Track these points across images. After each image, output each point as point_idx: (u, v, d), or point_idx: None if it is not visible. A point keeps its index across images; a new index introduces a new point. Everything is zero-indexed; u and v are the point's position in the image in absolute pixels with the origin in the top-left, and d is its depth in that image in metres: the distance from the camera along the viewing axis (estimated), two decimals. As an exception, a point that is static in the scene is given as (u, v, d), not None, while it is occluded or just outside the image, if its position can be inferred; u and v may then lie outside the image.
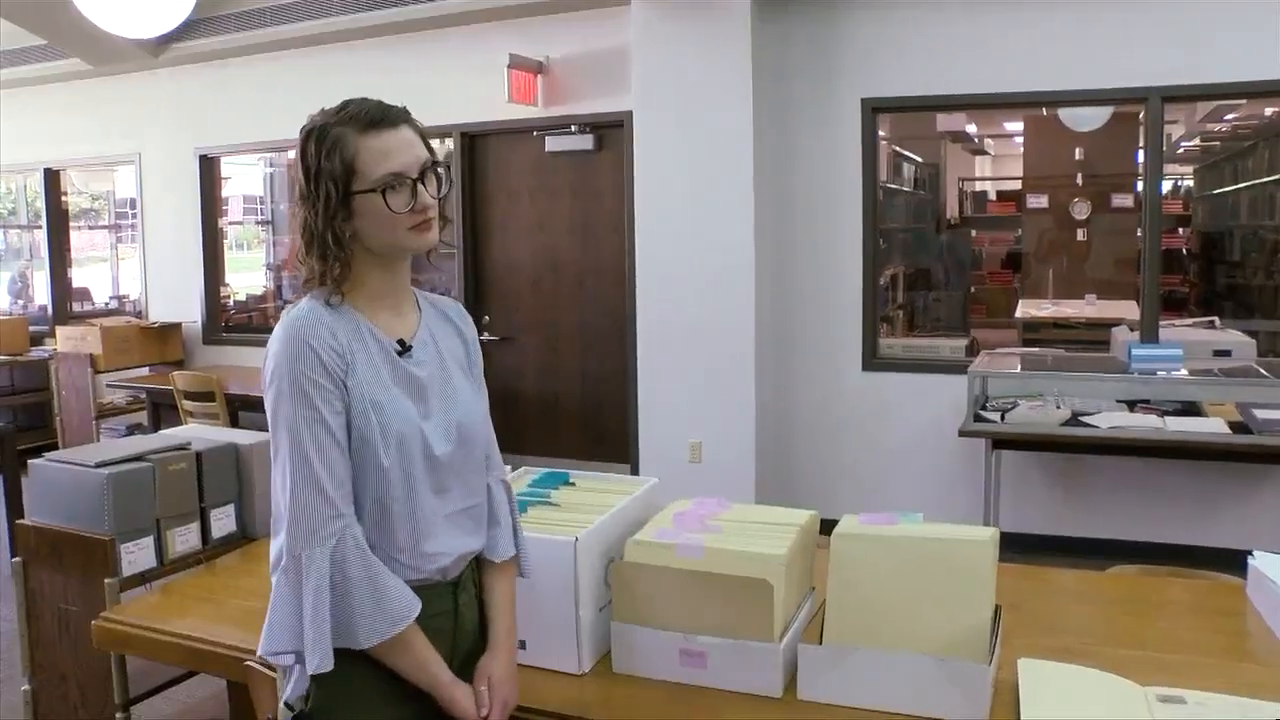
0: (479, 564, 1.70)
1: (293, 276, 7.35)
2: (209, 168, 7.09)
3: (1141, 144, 7.76)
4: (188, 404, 5.78)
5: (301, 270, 1.55)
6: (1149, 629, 2.10)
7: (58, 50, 6.83)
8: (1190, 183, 9.97)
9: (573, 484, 2.25)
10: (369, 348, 1.55)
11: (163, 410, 6.34)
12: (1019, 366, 4.91)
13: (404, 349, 1.59)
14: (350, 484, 1.49)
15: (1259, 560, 2.23)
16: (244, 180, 8.14)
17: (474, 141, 6.08)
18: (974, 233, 10.06)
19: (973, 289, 9.09)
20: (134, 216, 7.60)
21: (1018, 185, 11.75)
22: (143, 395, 6.52)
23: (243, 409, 5.82)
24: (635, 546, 1.93)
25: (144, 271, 7.42)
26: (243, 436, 2.91)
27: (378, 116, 1.51)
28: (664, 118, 5.14)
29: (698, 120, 5.06)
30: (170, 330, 6.97)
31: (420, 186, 1.52)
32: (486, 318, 6.07)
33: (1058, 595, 2.35)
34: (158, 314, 7.21)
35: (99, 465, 2.54)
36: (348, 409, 1.49)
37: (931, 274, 9.14)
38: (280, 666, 1.67)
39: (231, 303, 7.58)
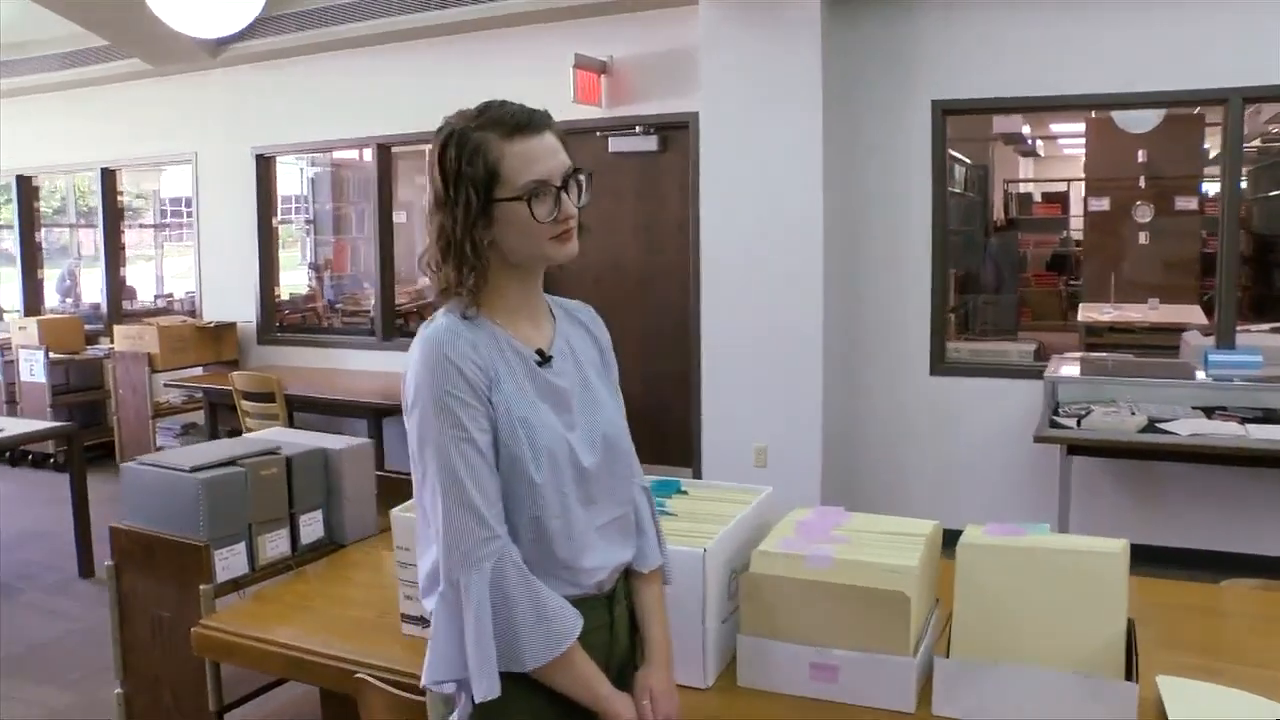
0: (627, 574, 1.66)
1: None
2: (265, 167, 7.11)
3: (1206, 144, 7.72)
4: (246, 404, 5.79)
5: (436, 279, 1.51)
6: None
7: (117, 51, 6.88)
8: (1244, 184, 9.81)
9: (685, 492, 2.21)
10: (510, 361, 1.50)
11: (219, 410, 6.38)
12: (1082, 371, 4.83)
13: (544, 359, 1.55)
14: (501, 502, 1.45)
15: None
16: (285, 180, 8.15)
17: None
18: (1019, 235, 9.94)
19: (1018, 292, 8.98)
20: (184, 215, 7.63)
21: (1063, 187, 11.68)
22: (199, 395, 6.55)
23: (300, 409, 5.83)
24: (762, 557, 1.89)
25: (199, 271, 7.45)
26: (331, 441, 2.88)
27: (523, 121, 1.46)
28: (731, 119, 5.08)
29: (766, 122, 5.01)
30: (225, 330, 6.99)
31: (563, 195, 1.48)
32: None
33: (1176, 610, 2.27)
34: (212, 313, 7.24)
35: (193, 470, 2.52)
36: (494, 426, 1.45)
37: (980, 277, 9.04)
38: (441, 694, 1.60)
39: (282, 302, 7.60)
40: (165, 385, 6.72)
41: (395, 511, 2.17)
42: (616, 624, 1.61)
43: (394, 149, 6.80)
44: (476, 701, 1.41)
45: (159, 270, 9.58)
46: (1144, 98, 4.89)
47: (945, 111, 5.09)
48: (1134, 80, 4.72)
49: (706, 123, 5.17)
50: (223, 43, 6.49)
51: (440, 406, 1.42)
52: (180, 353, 6.64)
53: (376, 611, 2.29)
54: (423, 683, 1.49)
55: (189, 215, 7.67)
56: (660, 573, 1.70)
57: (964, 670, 1.74)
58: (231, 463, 2.60)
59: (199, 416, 6.77)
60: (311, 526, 2.76)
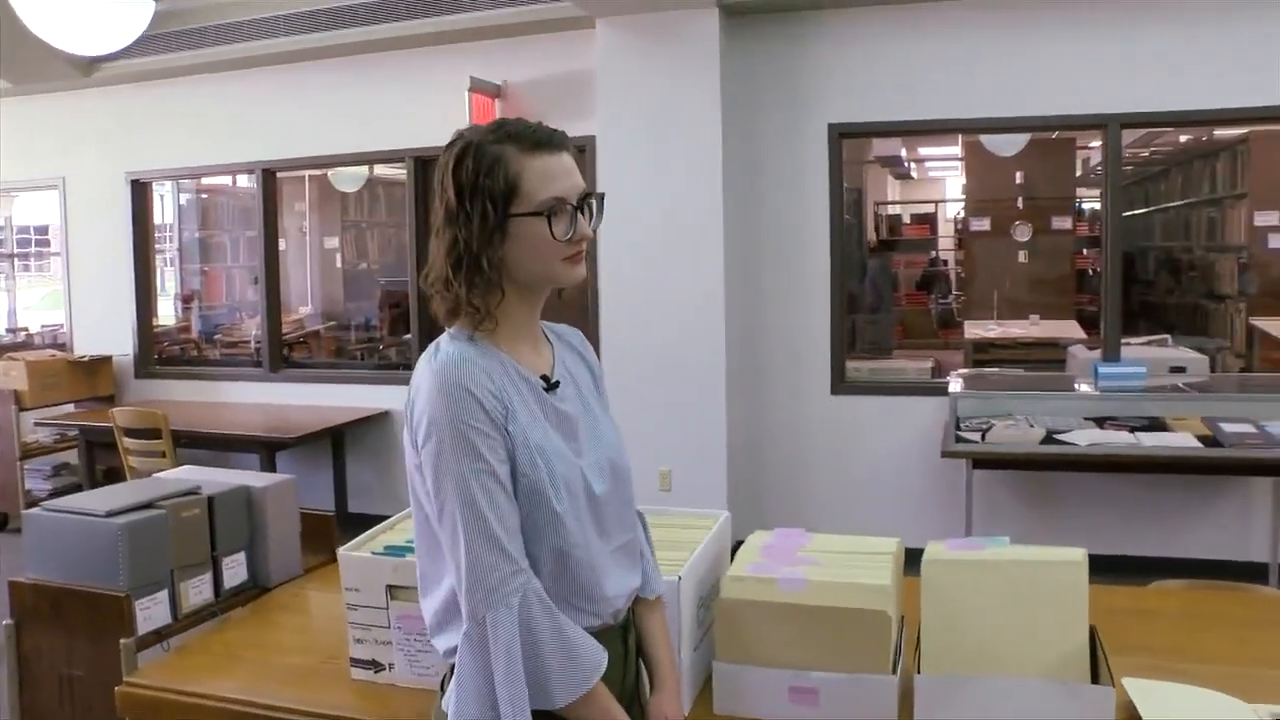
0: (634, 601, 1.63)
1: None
2: (140, 193, 6.77)
3: (1079, 172, 8.15)
4: (128, 441, 5.48)
5: (443, 297, 1.46)
6: (1224, 645, 2.11)
7: (-27, 70, 6.47)
8: (1096, 206, 10.38)
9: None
10: (520, 388, 1.46)
11: (96, 449, 6.03)
12: (981, 387, 5.00)
13: (550, 385, 1.52)
14: (520, 535, 1.40)
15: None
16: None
17: (427, 167, 5.94)
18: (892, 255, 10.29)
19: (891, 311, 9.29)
20: (37, 245, 7.19)
21: (931, 208, 12.16)
22: (73, 433, 6.17)
23: (186, 445, 5.55)
24: (734, 582, 1.87)
25: (68, 302, 7.04)
26: (253, 479, 2.74)
27: (544, 138, 1.44)
28: (630, 141, 5.10)
29: (665, 144, 5.04)
30: (100, 364, 6.61)
31: (579, 216, 1.45)
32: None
33: (1117, 615, 2.33)
34: (84, 347, 6.84)
35: (110, 514, 2.35)
36: (511, 457, 1.41)
37: (860, 297, 9.30)
38: None
39: (158, 334, 7.24)
40: (36, 424, 6.31)
41: (343, 551, 2.06)
42: (629, 654, 1.58)
43: (278, 174, 6.57)
44: None
45: (11, 303, 9.04)
46: (1028, 122, 5.12)
47: (841, 134, 5.21)
48: (1019, 105, 4.93)
49: (604, 145, 5.17)
50: (96, 61, 6.17)
51: (459, 438, 1.37)
52: (52, 389, 6.25)
53: (320, 657, 2.17)
54: None
55: (38, 245, 7.23)
56: (662, 598, 1.68)
57: (944, 685, 1.75)
58: (149, 505, 2.44)
59: (72, 456, 6.39)
60: (235, 570, 2.60)
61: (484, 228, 1.40)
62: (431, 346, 1.48)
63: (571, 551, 1.44)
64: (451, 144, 1.46)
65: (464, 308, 1.44)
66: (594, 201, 1.49)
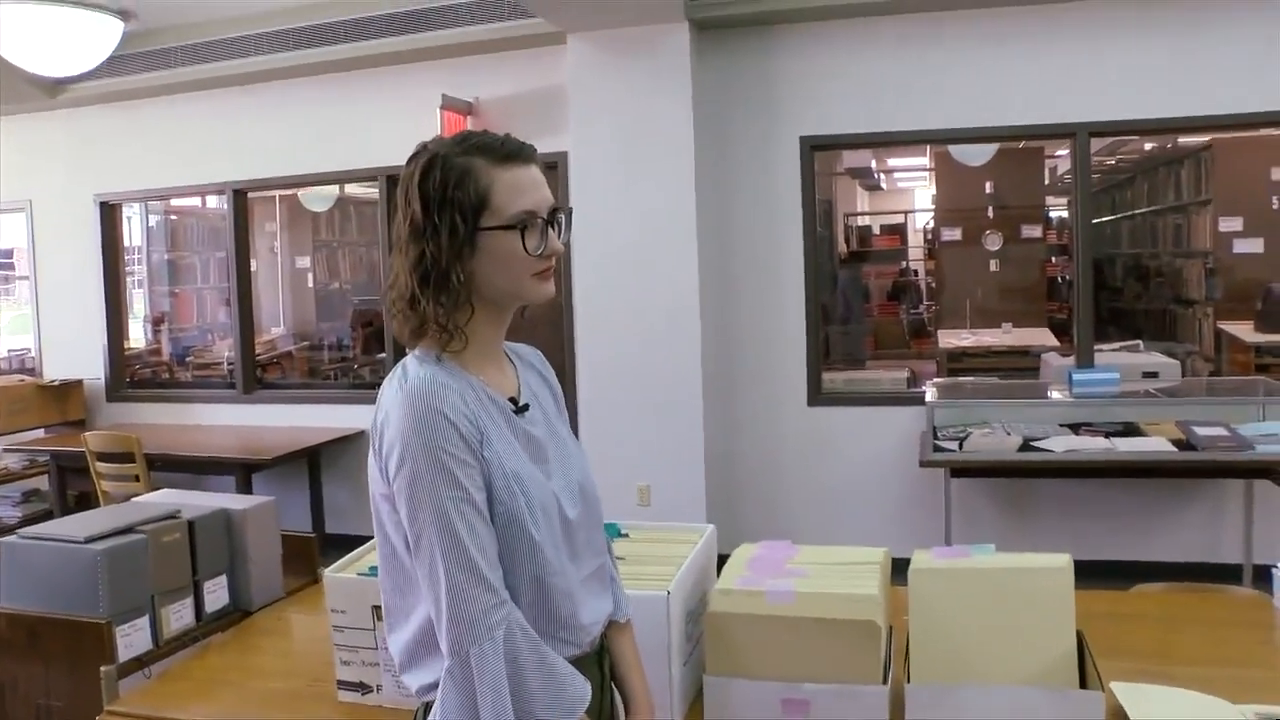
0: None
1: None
2: (110, 215, 6.70)
3: (1047, 180, 8.24)
4: (101, 465, 5.41)
5: (407, 316, 1.40)
6: (1207, 646, 2.14)
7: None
8: (1065, 214, 10.51)
9: (626, 535, 2.17)
10: (490, 411, 1.41)
11: (67, 474, 5.95)
12: (958, 396, 5.04)
13: (519, 408, 1.47)
14: (499, 565, 1.36)
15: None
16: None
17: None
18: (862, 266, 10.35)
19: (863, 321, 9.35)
20: (2, 269, 7.08)
21: (900, 219, 12.25)
22: (43, 459, 6.09)
23: (160, 469, 5.49)
24: (723, 596, 1.87)
25: (37, 326, 6.95)
26: (233, 501, 2.71)
27: (514, 150, 1.40)
28: (602, 156, 5.11)
29: (637, 159, 5.06)
30: (71, 388, 6.53)
31: (550, 230, 1.42)
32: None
33: (1100, 619, 2.35)
34: (54, 371, 6.76)
35: (89, 540, 2.32)
36: (488, 484, 1.36)
37: (832, 309, 9.34)
38: None
39: (129, 357, 7.16)
40: (5, 450, 6.21)
41: (328, 573, 2.05)
42: (605, 680, 1.55)
43: (249, 194, 6.53)
44: None
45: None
46: (998, 131, 5.16)
47: (813, 147, 5.25)
48: (989, 114, 4.99)
49: (576, 161, 5.18)
50: (61, 82, 6.11)
51: (436, 465, 1.31)
52: (21, 414, 6.16)
53: (306, 680, 2.15)
54: None
55: (2, 269, 7.13)
56: (630, 621, 1.65)
57: (934, 694, 1.75)
58: (129, 530, 2.40)
59: (42, 482, 6.30)
60: (216, 594, 2.58)
61: (453, 241, 1.36)
62: (398, 369, 1.42)
63: (550, 579, 1.40)
64: (415, 156, 1.42)
65: (431, 326, 1.39)
66: (563, 216, 1.45)
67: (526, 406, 1.49)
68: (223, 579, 2.60)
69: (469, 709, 1.30)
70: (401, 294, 1.39)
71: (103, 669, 2.24)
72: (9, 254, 8.86)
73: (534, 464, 1.44)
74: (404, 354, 1.47)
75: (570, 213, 1.47)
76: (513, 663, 1.31)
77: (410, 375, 1.37)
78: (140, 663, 2.36)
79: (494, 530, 1.35)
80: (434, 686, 1.36)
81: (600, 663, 1.53)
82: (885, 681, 1.79)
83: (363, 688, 2.02)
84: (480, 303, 1.42)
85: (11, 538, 2.46)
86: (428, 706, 1.40)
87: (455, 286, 1.37)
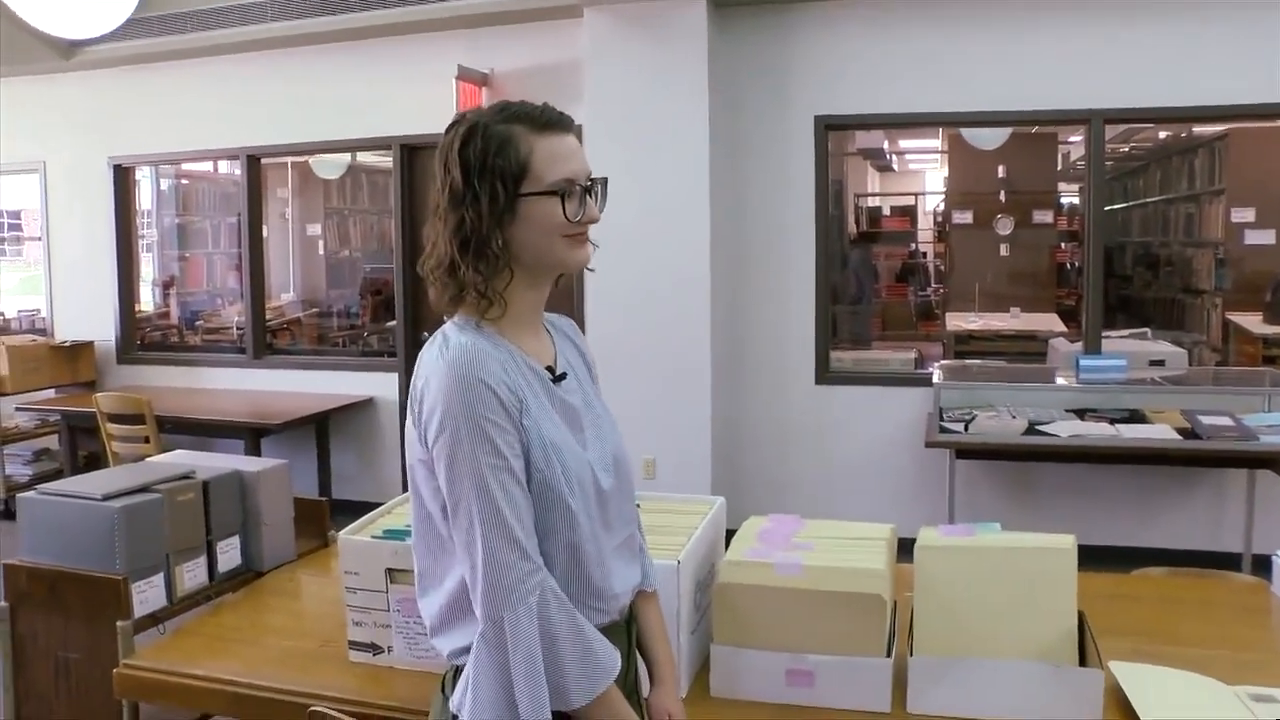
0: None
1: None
2: (123, 178, 6.72)
3: (1060, 166, 8.21)
4: (111, 427, 5.45)
5: (446, 284, 1.42)
6: (1205, 629, 2.17)
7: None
8: (1077, 200, 10.48)
9: (637, 505, 2.19)
10: (529, 379, 1.43)
11: (78, 434, 6.00)
12: (965, 378, 5.05)
13: (556, 376, 1.49)
14: (535, 533, 1.38)
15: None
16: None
17: (413, 154, 5.93)
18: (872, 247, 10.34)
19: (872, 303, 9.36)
20: (8, 228, 7.08)
21: (911, 200, 12.22)
22: (54, 418, 6.14)
23: (170, 431, 5.53)
24: (732, 567, 1.90)
25: (49, 287, 6.98)
26: (246, 463, 2.75)
27: (553, 119, 1.42)
28: (617, 131, 5.10)
29: (652, 133, 5.06)
30: (82, 349, 6.57)
31: (588, 198, 1.44)
32: (425, 334, 5.91)
33: (1102, 600, 2.38)
34: (65, 332, 6.79)
35: (107, 498, 2.36)
36: (525, 452, 1.38)
37: (842, 289, 9.35)
38: None
39: (140, 320, 7.19)
40: (17, 409, 6.26)
41: (343, 535, 2.08)
42: (632, 649, 1.57)
43: (263, 160, 6.54)
44: None
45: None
46: (1012, 116, 5.15)
47: (828, 126, 5.24)
48: (1003, 98, 4.97)
49: (590, 134, 5.16)
50: (76, 44, 6.11)
51: (476, 432, 1.33)
52: (33, 374, 6.20)
53: (317, 640, 2.19)
54: None
55: (11, 229, 7.14)
56: (656, 592, 1.68)
57: (936, 667, 1.79)
58: (145, 489, 2.44)
59: (52, 441, 6.35)
60: (229, 554, 2.62)
61: (493, 208, 1.38)
62: (438, 336, 1.44)
63: (584, 547, 1.42)
64: (455, 125, 1.43)
65: (470, 292, 1.40)
66: (599, 185, 1.47)
67: (564, 375, 1.51)
68: (235, 539, 2.64)
69: (502, 673, 1.33)
70: (440, 261, 1.42)
71: (119, 624, 2.30)
72: (16, 215, 8.88)
73: (570, 433, 1.47)
74: (417, 324, 1.49)
75: (606, 182, 1.49)
76: (546, 629, 1.33)
77: (451, 343, 1.39)
78: (155, 619, 2.41)
79: (530, 498, 1.38)
80: (465, 650, 1.39)
81: (629, 631, 1.56)
82: (889, 654, 1.82)
83: (374, 648, 2.06)
84: (519, 269, 1.44)
85: (31, 493, 2.50)
86: (457, 670, 1.43)
87: (494, 252, 1.39)
